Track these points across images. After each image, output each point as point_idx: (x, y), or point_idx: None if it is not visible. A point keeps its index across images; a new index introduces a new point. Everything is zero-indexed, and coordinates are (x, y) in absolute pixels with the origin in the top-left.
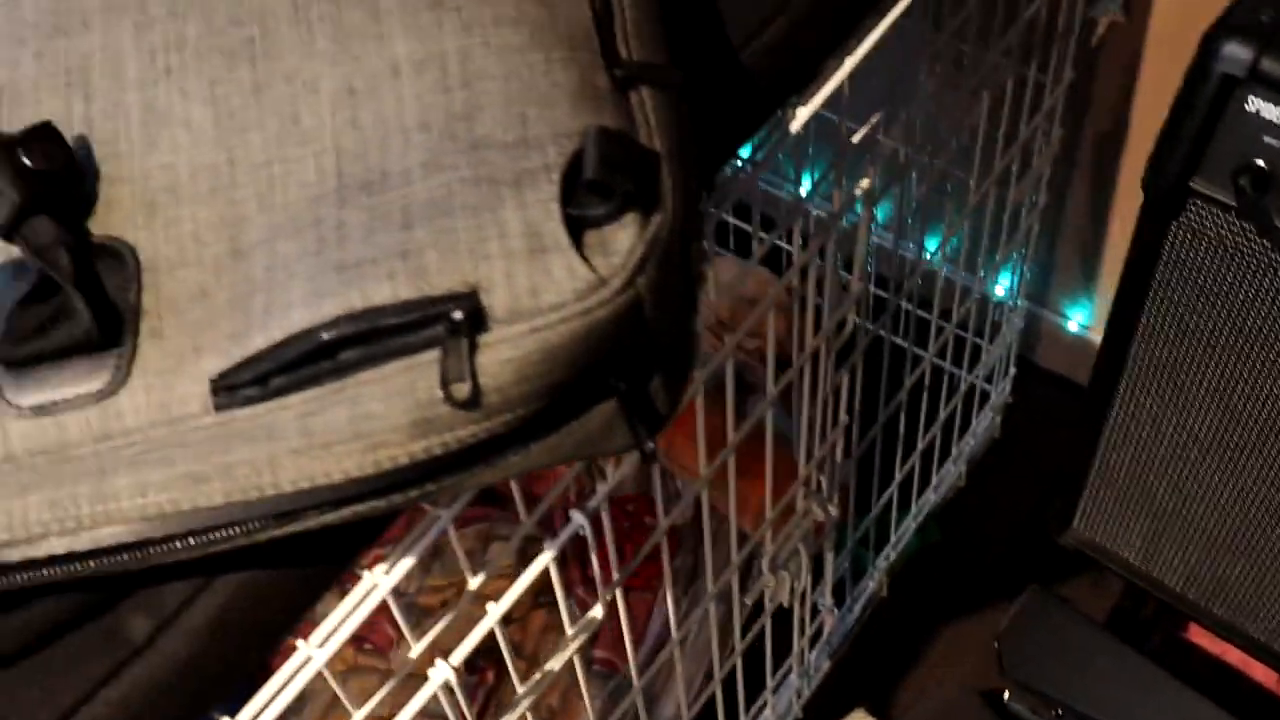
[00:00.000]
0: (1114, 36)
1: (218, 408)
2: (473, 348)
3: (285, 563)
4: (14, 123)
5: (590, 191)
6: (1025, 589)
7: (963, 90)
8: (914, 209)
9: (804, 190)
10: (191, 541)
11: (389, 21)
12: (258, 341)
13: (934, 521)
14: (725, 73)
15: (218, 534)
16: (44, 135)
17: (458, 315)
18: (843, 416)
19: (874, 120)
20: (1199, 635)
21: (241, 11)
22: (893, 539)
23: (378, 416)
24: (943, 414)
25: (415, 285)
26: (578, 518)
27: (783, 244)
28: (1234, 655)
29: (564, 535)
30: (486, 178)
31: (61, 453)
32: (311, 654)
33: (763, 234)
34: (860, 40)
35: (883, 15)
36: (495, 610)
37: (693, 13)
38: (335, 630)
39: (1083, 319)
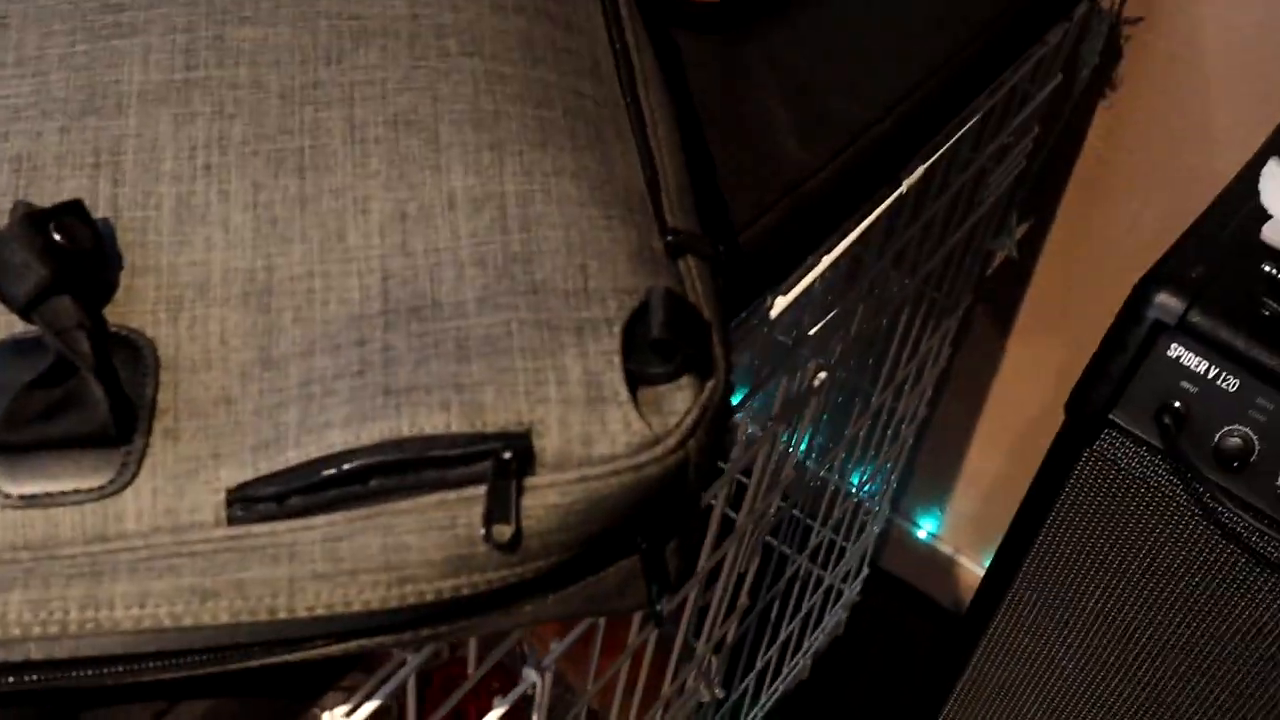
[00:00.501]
0: (1000, 271)
1: (231, 520)
2: (519, 490)
3: (253, 692)
4: (32, 196)
5: (651, 350)
6: None
7: (872, 302)
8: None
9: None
10: (185, 661)
11: (448, 155)
12: (290, 456)
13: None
14: (726, 255)
15: (214, 656)
16: (74, 212)
17: (507, 455)
18: (743, 599)
19: (829, 317)
20: None
21: (294, 121)
22: None
23: (412, 549)
24: (802, 611)
25: (469, 419)
26: (530, 675)
27: None
28: None
29: (515, 693)
30: (547, 323)
31: (49, 550)
32: None
33: None
34: (833, 244)
35: (858, 222)
36: None
37: (701, 195)
38: None
39: (931, 528)
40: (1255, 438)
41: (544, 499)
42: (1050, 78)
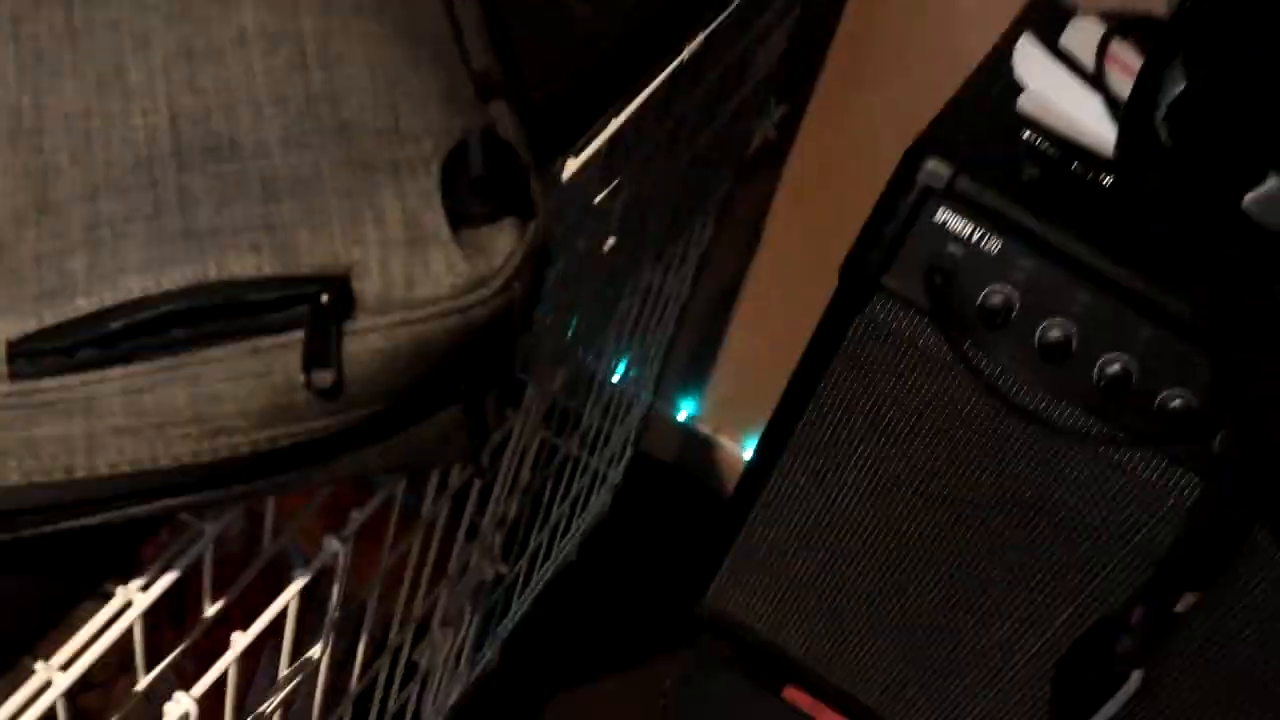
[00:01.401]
0: (759, 153)
1: (15, 376)
2: (339, 334)
3: (37, 568)
4: None
5: (472, 191)
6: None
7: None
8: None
9: None
10: None
11: None
12: (80, 304)
13: None
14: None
15: (4, 521)
16: None
17: (325, 297)
18: (524, 475)
19: (611, 186)
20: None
21: None
22: (513, 609)
23: (224, 399)
24: (571, 494)
25: (283, 261)
26: (332, 544)
27: None
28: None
29: (316, 562)
30: (359, 162)
31: None
32: (53, 677)
33: None
34: (619, 110)
35: (641, 88)
36: (241, 640)
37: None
38: (81, 652)
39: (690, 410)
40: (1016, 295)
41: (366, 343)
42: None
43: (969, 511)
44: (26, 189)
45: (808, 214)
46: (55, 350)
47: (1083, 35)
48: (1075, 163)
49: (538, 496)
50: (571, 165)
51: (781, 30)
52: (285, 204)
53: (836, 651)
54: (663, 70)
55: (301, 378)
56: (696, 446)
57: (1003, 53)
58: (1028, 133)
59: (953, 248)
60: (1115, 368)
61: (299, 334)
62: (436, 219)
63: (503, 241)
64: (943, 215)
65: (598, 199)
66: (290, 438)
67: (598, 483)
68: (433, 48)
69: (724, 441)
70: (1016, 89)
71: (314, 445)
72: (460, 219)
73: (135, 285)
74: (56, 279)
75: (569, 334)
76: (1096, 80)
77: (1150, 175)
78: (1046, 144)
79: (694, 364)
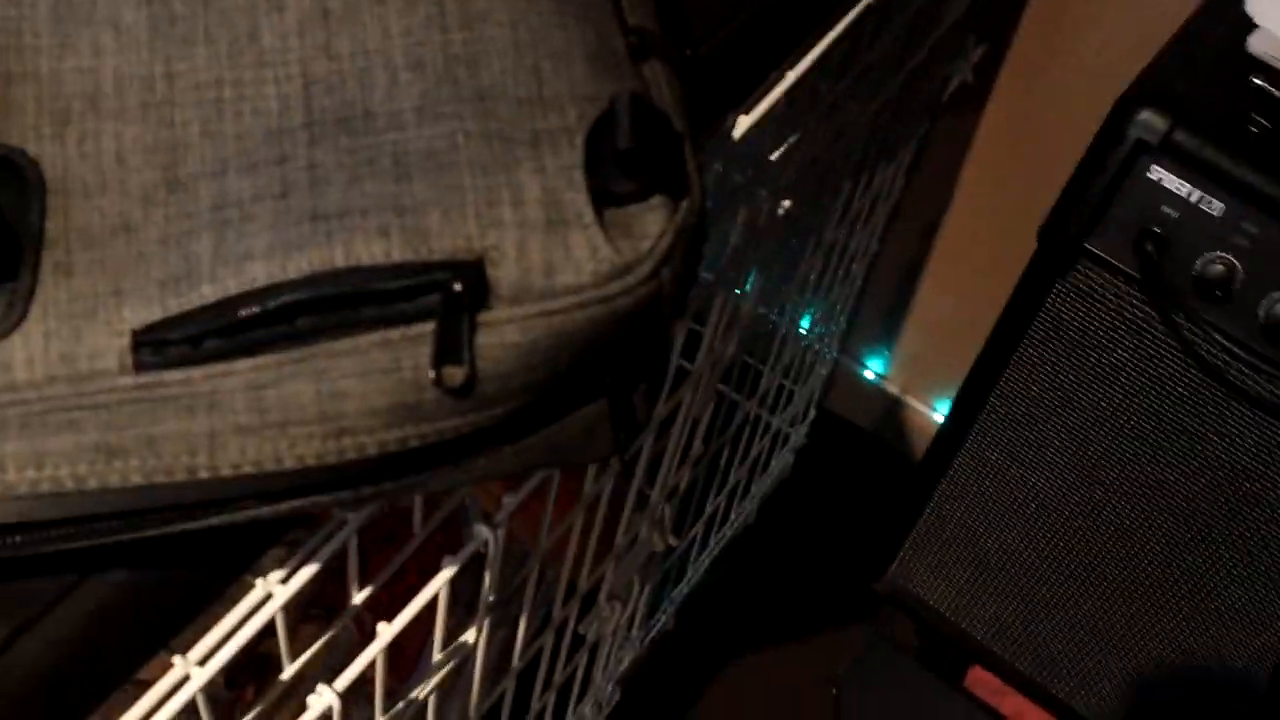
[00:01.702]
0: (956, 98)
1: (139, 367)
2: (473, 326)
3: (173, 561)
4: None
5: (618, 165)
6: (858, 635)
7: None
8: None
9: None
10: (92, 529)
11: None
12: (205, 292)
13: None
14: (687, 67)
15: (126, 522)
16: None
17: (458, 286)
18: (696, 445)
19: (789, 143)
20: (978, 685)
21: None
22: (688, 574)
23: (350, 395)
24: (751, 456)
25: (413, 246)
26: (482, 532)
27: None
28: (1010, 706)
29: (465, 552)
30: (498, 133)
31: None
32: (190, 671)
33: None
34: (796, 60)
35: (820, 37)
36: (386, 633)
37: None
38: (220, 646)
39: (878, 368)
40: (1239, 264)
41: (501, 336)
42: None
43: (1179, 500)
44: (156, 165)
45: (1007, 166)
46: (181, 340)
47: None
48: None
49: (715, 457)
50: (743, 123)
51: None
52: (417, 183)
53: (1026, 638)
54: (845, 16)
55: (431, 374)
56: (885, 407)
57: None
58: (1259, 79)
59: (1168, 209)
60: None
61: (430, 325)
62: (579, 199)
63: (652, 223)
64: (1157, 173)
65: (774, 155)
66: (420, 438)
67: (779, 443)
68: (582, 0)
69: (913, 403)
70: (1247, 26)
71: (446, 446)
72: (605, 197)
73: (260, 272)
74: (182, 263)
75: (746, 290)
76: None
77: None
78: None
79: (884, 321)
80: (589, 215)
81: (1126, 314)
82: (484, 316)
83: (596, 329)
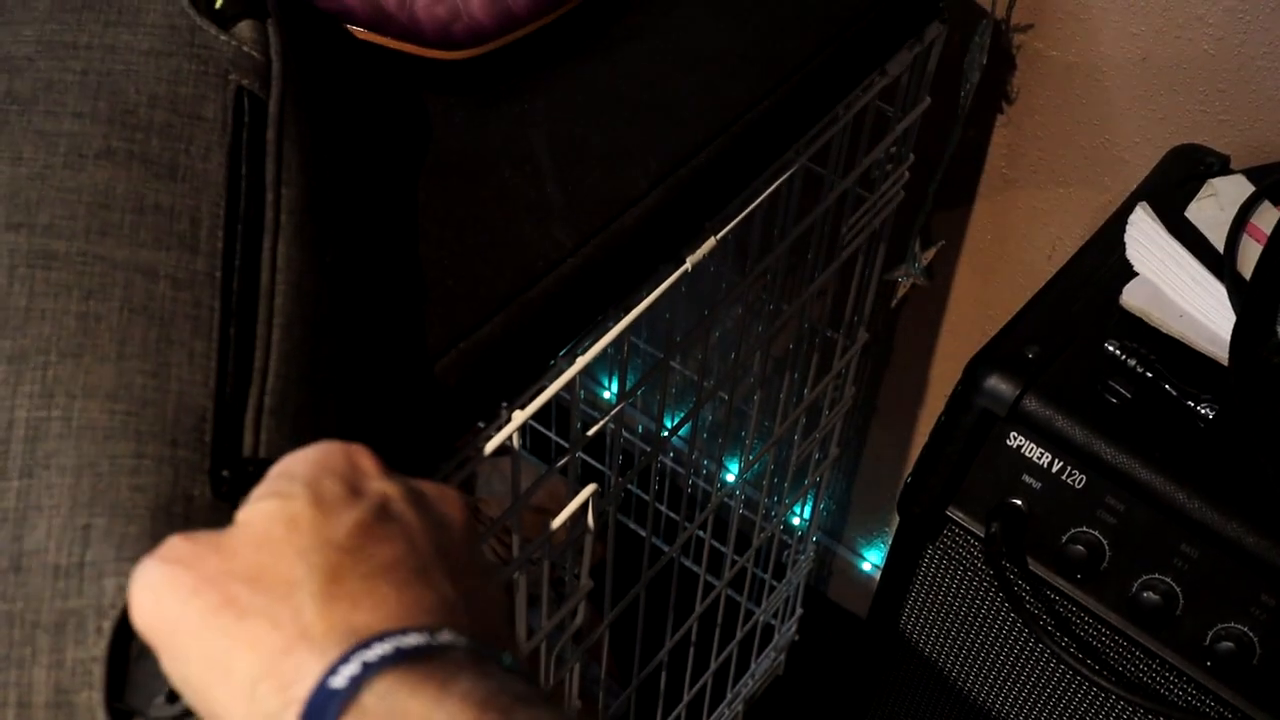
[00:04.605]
0: (916, 298)
1: None
2: None
3: None
4: None
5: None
6: None
7: (756, 337)
8: (705, 436)
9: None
10: None
11: None
12: None
13: None
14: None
15: None
16: None
17: None
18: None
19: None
20: None
21: None
22: None
23: None
24: (725, 652)
25: None
26: None
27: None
28: None
29: None
30: (21, 616)
31: None
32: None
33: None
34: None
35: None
36: None
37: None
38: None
39: (875, 559)
40: (1104, 541)
41: None
42: (914, 104)
43: None
44: None
45: None
46: None
47: (1225, 197)
48: (1175, 380)
49: (685, 640)
50: (518, 417)
51: (890, 183)
52: None
53: None
54: (660, 283)
55: None
56: None
57: (1118, 225)
58: (1115, 345)
59: (1029, 477)
60: (1227, 644)
61: None
62: (94, 698)
63: None
64: (1015, 440)
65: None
66: None
67: (758, 635)
68: (170, 435)
69: None
70: (1126, 273)
71: None
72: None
73: None
74: None
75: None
76: (1224, 263)
77: (1267, 403)
78: (1146, 352)
79: (875, 512)
80: (101, 716)
81: (983, 594)
82: None
83: None
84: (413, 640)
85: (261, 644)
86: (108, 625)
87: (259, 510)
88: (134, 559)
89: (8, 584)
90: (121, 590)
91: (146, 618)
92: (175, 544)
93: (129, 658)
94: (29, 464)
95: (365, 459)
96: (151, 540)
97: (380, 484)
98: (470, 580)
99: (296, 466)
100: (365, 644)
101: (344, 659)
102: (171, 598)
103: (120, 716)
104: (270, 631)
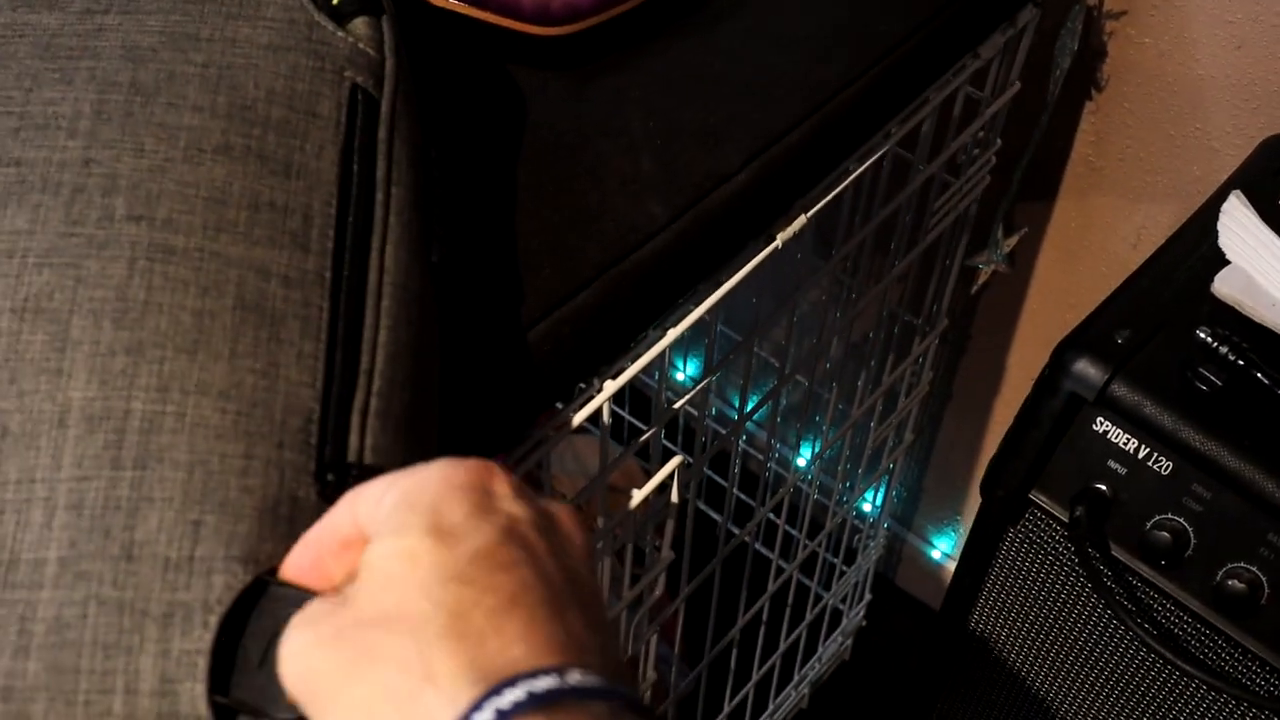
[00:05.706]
0: (996, 285)
1: None
2: None
3: None
4: None
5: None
6: None
7: (838, 321)
8: (780, 420)
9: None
10: None
11: (74, 356)
12: None
13: None
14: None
15: None
16: None
17: None
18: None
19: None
20: None
21: None
22: None
23: None
24: (794, 634)
25: None
26: None
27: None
28: None
29: None
30: (130, 605)
31: None
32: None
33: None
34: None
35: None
36: None
37: (503, 272)
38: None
39: (945, 548)
40: (1189, 529)
41: None
42: (1004, 89)
43: None
44: None
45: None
46: None
47: None
48: (1267, 369)
49: (755, 620)
50: (609, 386)
51: (977, 168)
52: (34, 661)
53: None
54: (750, 258)
55: None
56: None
57: (1210, 213)
58: (1207, 332)
59: (1115, 464)
60: None
61: None
62: (196, 690)
63: None
64: (1101, 425)
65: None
66: None
67: (827, 619)
68: (277, 437)
69: None
70: (1218, 261)
71: None
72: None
73: None
74: None
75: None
76: None
77: None
78: (1238, 340)
79: (948, 501)
80: (203, 707)
81: (1068, 577)
82: None
83: None
84: (544, 684)
85: (394, 690)
86: (214, 620)
87: (379, 551)
88: (242, 558)
89: (119, 571)
90: (229, 588)
91: (296, 684)
92: (314, 606)
93: (235, 655)
94: (143, 456)
95: (493, 477)
96: (259, 540)
97: (509, 504)
98: (595, 609)
99: (416, 494)
100: (497, 689)
101: (476, 706)
102: (315, 656)
103: (222, 711)
104: (399, 675)
